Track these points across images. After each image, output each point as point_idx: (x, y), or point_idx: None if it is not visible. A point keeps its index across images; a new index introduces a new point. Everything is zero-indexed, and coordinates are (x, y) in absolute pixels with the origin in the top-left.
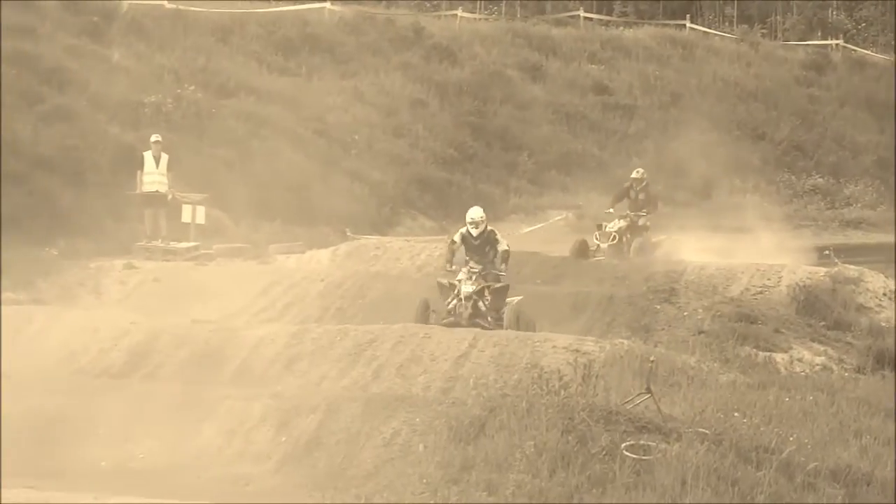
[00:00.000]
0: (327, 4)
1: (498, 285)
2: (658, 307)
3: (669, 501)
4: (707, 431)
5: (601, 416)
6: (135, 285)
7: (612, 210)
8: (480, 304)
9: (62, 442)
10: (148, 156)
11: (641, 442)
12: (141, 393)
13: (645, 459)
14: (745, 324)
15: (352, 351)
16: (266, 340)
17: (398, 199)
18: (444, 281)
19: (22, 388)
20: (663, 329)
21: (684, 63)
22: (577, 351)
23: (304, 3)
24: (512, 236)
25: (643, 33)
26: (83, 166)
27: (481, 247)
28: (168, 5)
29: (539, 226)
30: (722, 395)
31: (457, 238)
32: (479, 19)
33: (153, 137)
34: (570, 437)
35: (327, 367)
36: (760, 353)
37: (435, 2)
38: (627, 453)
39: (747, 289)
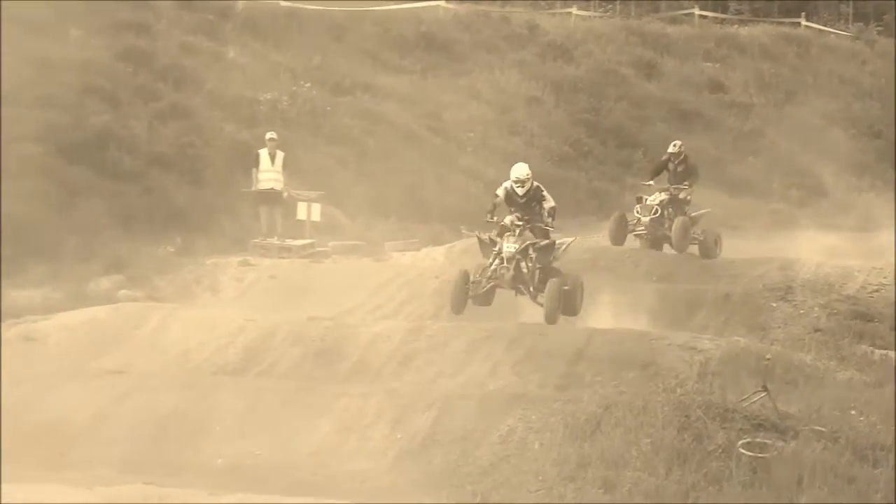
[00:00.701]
0: (442, 2)
1: (544, 242)
2: (774, 305)
3: (786, 500)
4: (823, 429)
5: (717, 413)
6: (250, 282)
7: (651, 182)
8: (524, 265)
9: (178, 439)
10: (263, 153)
11: (758, 440)
12: (256, 390)
13: (761, 457)
14: (861, 322)
15: (467, 348)
16: (381, 337)
17: None
18: (485, 237)
19: (138, 384)
20: (779, 327)
21: (799, 61)
22: (693, 348)
23: (418, 1)
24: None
25: (758, 31)
26: (199, 164)
27: (527, 204)
28: (283, 3)
29: None
30: (838, 393)
31: (500, 192)
32: (594, 17)
33: (268, 135)
34: (686, 435)
35: (443, 365)
36: (877, 350)
37: (549, 0)
38: (744, 451)
39: (863, 287)
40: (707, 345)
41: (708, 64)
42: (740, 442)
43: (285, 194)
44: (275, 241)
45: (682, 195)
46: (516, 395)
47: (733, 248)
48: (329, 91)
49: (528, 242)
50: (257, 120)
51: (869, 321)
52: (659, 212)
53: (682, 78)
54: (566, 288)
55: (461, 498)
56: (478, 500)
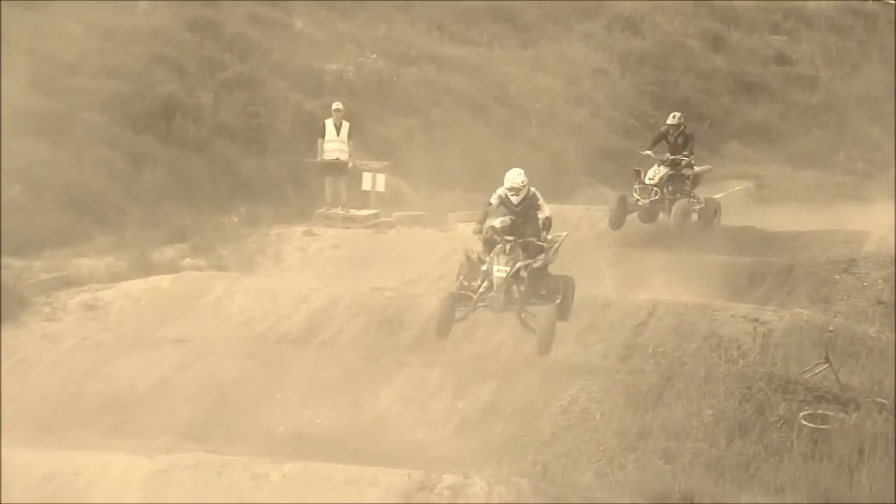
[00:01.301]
0: None
1: (536, 265)
2: (837, 277)
3: (846, 472)
4: (885, 401)
5: (779, 385)
6: (314, 252)
7: (650, 152)
8: (514, 289)
9: (240, 407)
10: (329, 123)
11: (819, 411)
12: (319, 359)
13: (823, 429)
14: None
15: None
16: None
17: (578, 167)
18: (474, 255)
19: (201, 353)
20: (842, 299)
21: (866, 34)
22: (756, 320)
23: None
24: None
25: (826, 4)
26: (264, 134)
27: (524, 213)
28: None
29: (719, 195)
30: None
31: (493, 200)
32: None
33: (334, 105)
34: (747, 406)
35: (505, 335)
36: None
37: None
38: (805, 422)
39: None
40: (770, 316)
41: (775, 37)
42: (802, 413)
43: (350, 164)
44: (339, 211)
45: (683, 166)
46: (578, 366)
47: (798, 220)
48: (395, 61)
49: (519, 264)
50: (323, 90)
51: None
52: (658, 193)
53: (749, 50)
54: (558, 301)
55: (522, 468)
56: (538, 470)
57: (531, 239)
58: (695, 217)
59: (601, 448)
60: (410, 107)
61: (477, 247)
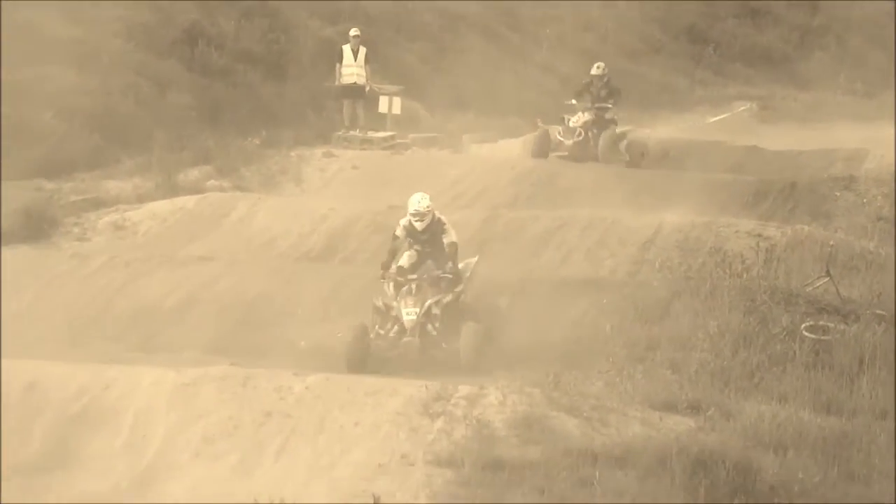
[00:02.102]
0: None
1: (447, 299)
2: (838, 194)
3: (847, 381)
4: (884, 313)
5: (782, 297)
6: (333, 173)
7: (574, 101)
8: (430, 327)
9: (263, 321)
10: (347, 49)
11: (820, 323)
12: (338, 275)
13: (824, 339)
14: None
15: (542, 235)
16: (460, 225)
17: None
18: (380, 303)
19: (226, 270)
20: (842, 215)
21: None
22: (760, 236)
23: None
24: (697, 126)
25: None
26: (284, 59)
27: (430, 241)
28: None
29: (723, 116)
30: None
31: (399, 233)
32: None
33: (352, 31)
34: (751, 318)
35: (518, 251)
36: None
37: None
38: (807, 334)
39: None
40: (773, 232)
41: None
42: (803, 325)
43: (367, 88)
44: (357, 133)
45: (607, 115)
46: (588, 281)
47: (799, 139)
48: None
49: (429, 302)
50: (341, 17)
51: None
52: (582, 134)
53: None
54: (479, 328)
55: (534, 379)
56: (550, 379)
57: (437, 273)
58: (626, 158)
59: (611, 359)
60: (425, 33)
61: (384, 294)
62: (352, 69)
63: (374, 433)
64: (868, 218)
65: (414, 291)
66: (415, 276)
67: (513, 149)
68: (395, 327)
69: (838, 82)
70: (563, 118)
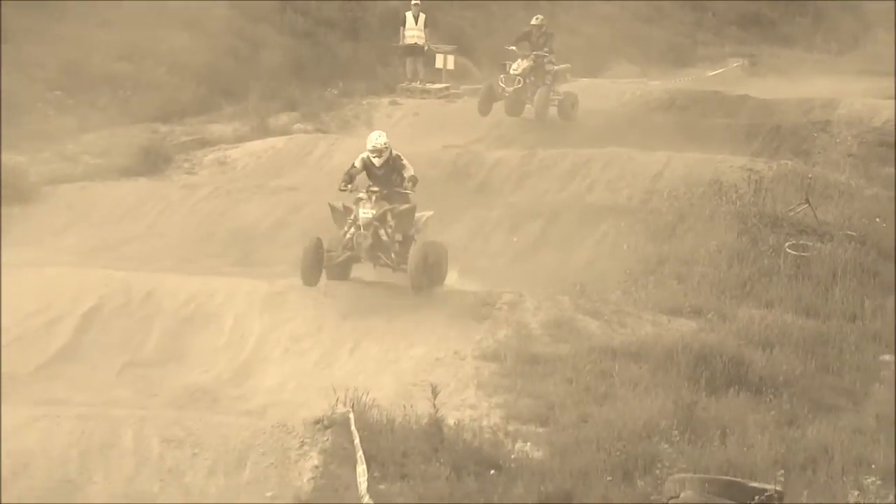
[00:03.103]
0: None
1: (403, 207)
2: (816, 135)
3: (823, 290)
4: (854, 234)
5: (769, 221)
6: (398, 118)
7: (514, 48)
8: (382, 232)
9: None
10: (409, 15)
11: (801, 241)
12: None
13: (804, 256)
14: (885, 148)
15: (570, 170)
16: (502, 162)
17: (608, 48)
18: (338, 204)
19: (309, 199)
20: (819, 152)
21: None
22: (751, 170)
23: None
24: (698, 79)
25: None
26: (357, 24)
27: (386, 175)
28: None
29: (720, 70)
30: (866, 205)
31: (357, 164)
32: None
33: (413, 0)
34: (744, 238)
35: (550, 183)
36: None
37: None
38: (790, 251)
39: (888, 121)
40: (761, 166)
41: None
42: (787, 243)
43: (426, 48)
44: (417, 85)
45: (546, 64)
46: (608, 207)
47: (783, 89)
48: None
49: (385, 208)
50: None
51: (892, 148)
52: (522, 82)
53: None
54: (430, 260)
55: (564, 288)
56: (577, 289)
57: (396, 190)
58: (554, 110)
59: (627, 272)
60: (474, 2)
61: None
62: (413, 32)
63: (432, 333)
64: (840, 155)
65: (374, 200)
66: (377, 189)
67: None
68: (352, 228)
69: (815, 43)
70: (504, 65)
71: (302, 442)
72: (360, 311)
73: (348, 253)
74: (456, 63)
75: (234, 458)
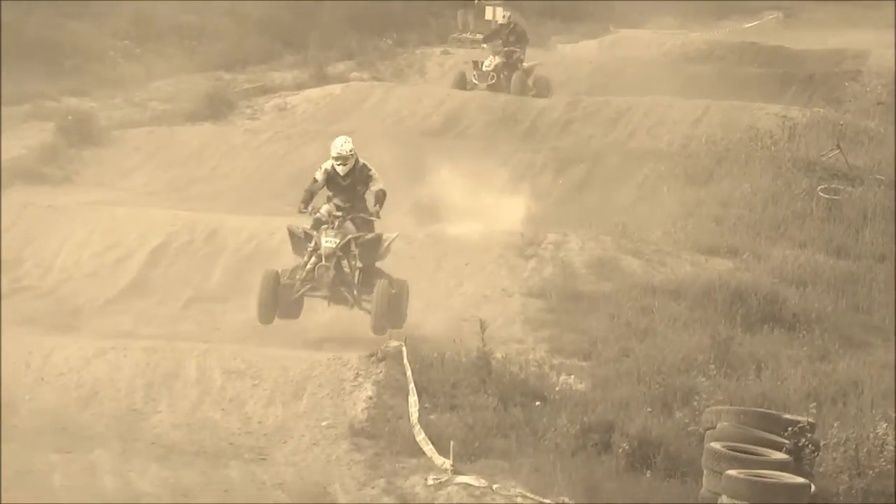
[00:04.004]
0: None
1: (369, 237)
2: (847, 84)
3: (853, 231)
4: (883, 178)
5: (802, 165)
6: (449, 66)
7: (485, 46)
8: (345, 263)
9: (396, 182)
10: None
11: (833, 185)
12: (454, 147)
13: (835, 199)
14: None
15: (613, 116)
16: (548, 108)
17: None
18: (297, 229)
19: (365, 143)
20: (851, 101)
21: None
22: (785, 117)
23: None
24: (737, 30)
25: None
26: None
27: (351, 187)
28: None
29: (756, 22)
30: None
31: (318, 175)
32: None
33: None
34: (778, 182)
35: (594, 129)
36: None
37: None
38: (822, 194)
39: None
40: (795, 114)
41: None
42: (819, 187)
43: (476, 0)
44: (468, 35)
45: (514, 57)
46: (649, 152)
47: (816, 41)
48: None
49: (350, 236)
50: None
51: None
52: (495, 77)
53: None
54: (393, 291)
55: (607, 229)
56: (619, 230)
57: (362, 215)
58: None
59: (667, 214)
60: None
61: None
62: None
63: (481, 271)
64: (870, 103)
65: (336, 227)
66: (340, 214)
67: (591, 47)
68: (312, 258)
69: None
70: (476, 63)
71: (357, 374)
72: (412, 248)
73: (309, 285)
74: (504, 15)
75: (292, 389)
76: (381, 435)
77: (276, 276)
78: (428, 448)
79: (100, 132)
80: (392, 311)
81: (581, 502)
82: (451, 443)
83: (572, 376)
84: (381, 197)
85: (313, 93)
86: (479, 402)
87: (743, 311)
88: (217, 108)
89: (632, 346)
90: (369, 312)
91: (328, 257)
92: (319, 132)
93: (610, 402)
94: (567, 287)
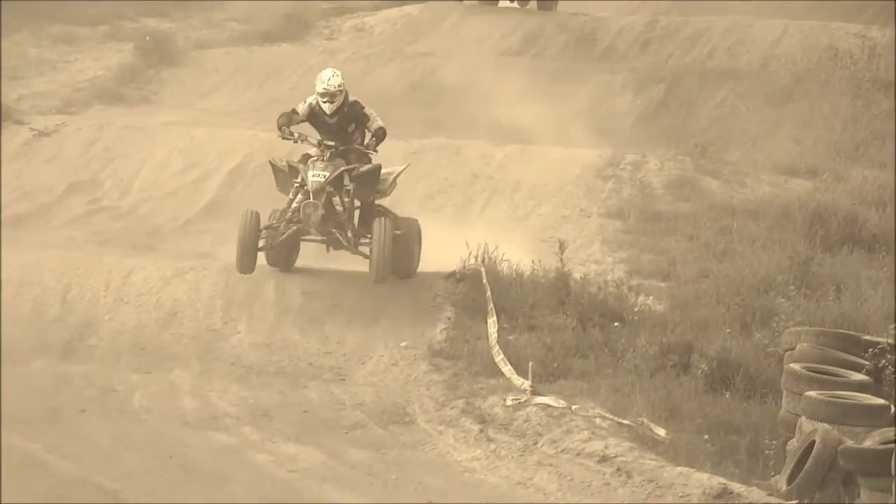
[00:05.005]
0: None
1: (364, 168)
2: None
3: None
4: None
5: (882, 85)
6: None
7: None
8: (337, 199)
9: (473, 103)
10: None
11: None
12: (532, 67)
13: None
14: None
15: (691, 36)
16: (626, 28)
17: None
18: (281, 163)
19: (441, 63)
20: None
21: None
22: (864, 36)
23: None
24: None
25: None
26: None
27: (339, 126)
28: None
29: None
30: None
31: (301, 109)
32: None
33: None
34: (857, 102)
35: (672, 48)
36: None
37: None
38: None
39: None
40: (875, 33)
41: None
42: None
43: None
44: None
45: None
46: (727, 71)
47: None
48: None
49: (342, 168)
50: None
51: None
52: None
53: None
54: (398, 232)
55: (685, 149)
56: (698, 150)
57: (356, 147)
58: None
59: (745, 133)
60: None
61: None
62: None
63: (559, 192)
64: None
65: (327, 158)
66: (333, 144)
67: None
68: (298, 195)
69: None
70: None
71: (435, 294)
72: (491, 168)
73: (294, 227)
74: None
75: (371, 310)
76: (459, 356)
77: (258, 218)
78: (506, 369)
79: (178, 53)
80: (398, 257)
81: (660, 423)
82: (530, 363)
83: (651, 297)
84: (380, 135)
85: (391, 13)
86: (557, 323)
87: (822, 231)
88: (295, 28)
89: (711, 267)
90: (367, 258)
91: (316, 194)
92: (397, 52)
93: (689, 322)
94: (646, 207)
